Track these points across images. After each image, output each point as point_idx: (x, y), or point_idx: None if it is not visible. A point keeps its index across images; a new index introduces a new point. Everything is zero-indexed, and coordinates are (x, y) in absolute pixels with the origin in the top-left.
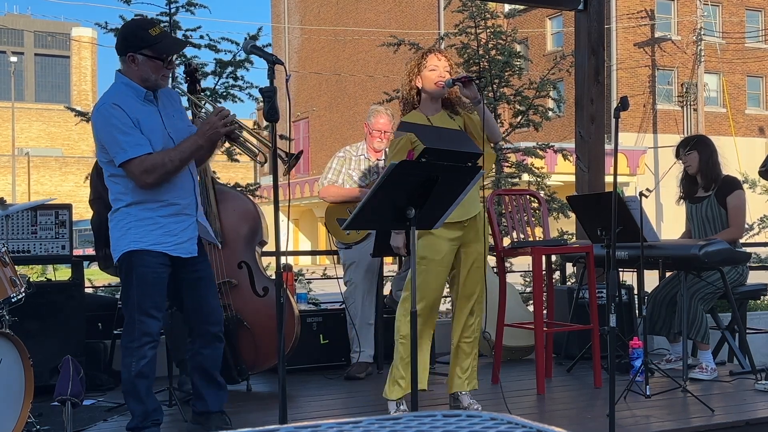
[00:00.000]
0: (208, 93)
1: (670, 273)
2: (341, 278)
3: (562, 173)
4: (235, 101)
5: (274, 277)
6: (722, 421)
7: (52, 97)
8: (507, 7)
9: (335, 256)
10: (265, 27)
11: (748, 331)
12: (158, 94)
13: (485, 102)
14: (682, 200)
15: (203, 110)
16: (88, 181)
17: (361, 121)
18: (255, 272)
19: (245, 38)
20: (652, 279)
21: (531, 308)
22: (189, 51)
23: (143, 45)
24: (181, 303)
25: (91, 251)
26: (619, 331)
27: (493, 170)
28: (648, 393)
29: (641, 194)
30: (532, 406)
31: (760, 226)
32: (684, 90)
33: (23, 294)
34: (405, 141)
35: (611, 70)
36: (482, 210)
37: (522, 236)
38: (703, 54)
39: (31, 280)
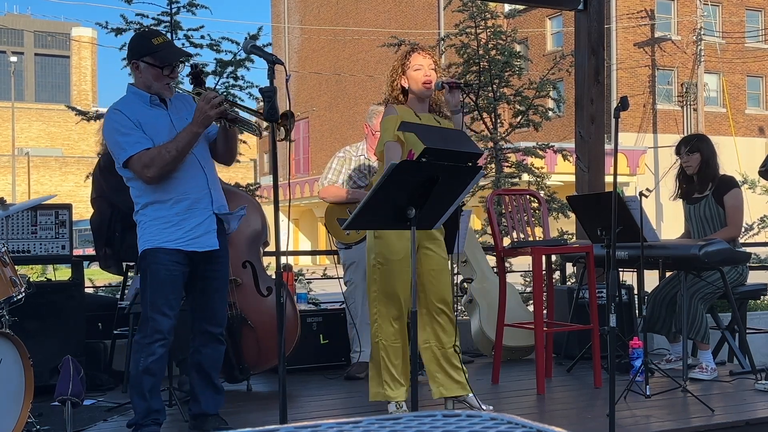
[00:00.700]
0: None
1: (670, 273)
2: (341, 278)
3: (562, 173)
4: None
5: (274, 277)
6: (722, 421)
7: (52, 97)
8: (507, 7)
9: (335, 256)
10: (265, 27)
11: (748, 331)
12: (169, 99)
13: (464, 112)
14: (677, 197)
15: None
16: (90, 180)
17: (361, 121)
18: (259, 272)
19: (245, 38)
20: (652, 279)
21: (531, 308)
22: (189, 51)
23: (145, 53)
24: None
25: (91, 251)
26: (619, 331)
27: (493, 170)
28: (648, 393)
29: (641, 194)
30: (532, 406)
31: (760, 226)
32: (684, 90)
33: (23, 294)
34: (396, 119)
35: (611, 70)
36: None
37: (522, 236)
38: (703, 54)
39: (31, 280)
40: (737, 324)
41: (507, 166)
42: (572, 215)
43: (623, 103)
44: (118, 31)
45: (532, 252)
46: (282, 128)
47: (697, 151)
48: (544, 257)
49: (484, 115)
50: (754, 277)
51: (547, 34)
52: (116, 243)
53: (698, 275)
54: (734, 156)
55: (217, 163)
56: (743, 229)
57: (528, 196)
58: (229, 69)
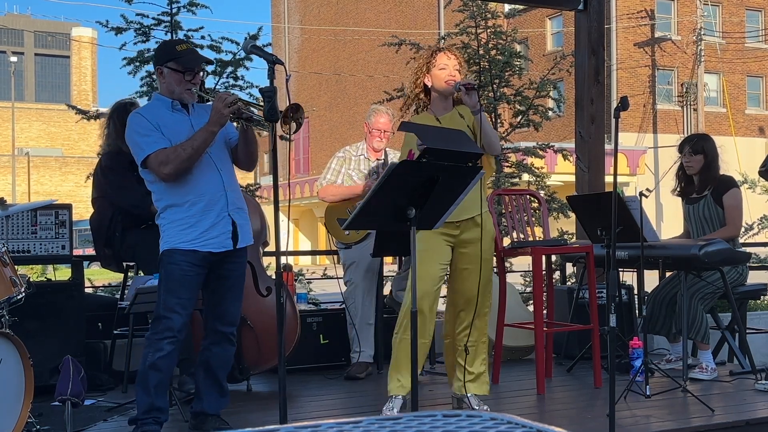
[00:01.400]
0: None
1: (670, 273)
2: (341, 278)
3: (562, 173)
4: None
5: (274, 277)
6: (722, 421)
7: (52, 97)
8: (507, 7)
9: (335, 256)
10: (265, 27)
11: (748, 331)
12: (192, 106)
13: (483, 112)
14: (677, 194)
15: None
16: (90, 180)
17: (361, 121)
18: (259, 272)
19: (245, 38)
20: (652, 279)
21: (531, 308)
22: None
23: (168, 58)
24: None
25: (91, 251)
26: (619, 331)
27: (493, 170)
28: (648, 393)
29: (641, 194)
30: (532, 406)
31: (760, 226)
32: (684, 90)
33: (23, 294)
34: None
35: (611, 70)
36: (485, 213)
37: (522, 236)
38: (703, 54)
39: (31, 280)
40: (737, 324)
41: (507, 166)
42: (572, 215)
43: (623, 103)
44: (118, 31)
45: (532, 252)
46: (294, 122)
47: (700, 153)
48: (544, 257)
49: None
50: (754, 277)
51: (547, 34)
52: (116, 243)
53: (698, 275)
54: (734, 156)
55: (239, 168)
56: (743, 229)
57: (528, 196)
58: (229, 69)
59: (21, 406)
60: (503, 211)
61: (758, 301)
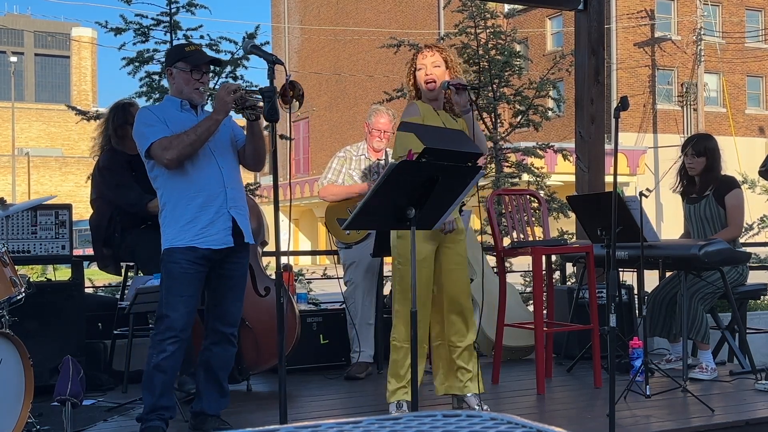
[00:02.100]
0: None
1: (670, 273)
2: (341, 278)
3: (562, 173)
4: (243, 117)
5: (274, 277)
6: (722, 421)
7: (52, 97)
8: (506, 7)
9: (335, 256)
10: (265, 27)
11: (748, 331)
12: (201, 107)
13: (475, 111)
14: (678, 192)
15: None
16: (90, 181)
17: (361, 121)
18: (257, 272)
19: (244, 37)
20: (652, 279)
21: (531, 308)
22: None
23: (177, 58)
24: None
25: (91, 251)
26: (619, 331)
27: (493, 170)
28: (648, 393)
29: (641, 194)
30: (532, 406)
31: (760, 226)
32: (684, 90)
33: (23, 294)
34: (419, 120)
35: (611, 70)
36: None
37: (522, 236)
38: (703, 54)
39: (31, 280)
40: (737, 324)
41: (507, 166)
42: (572, 215)
43: (623, 103)
44: (118, 31)
45: (532, 252)
46: (296, 101)
47: (703, 155)
48: (544, 257)
49: (484, 115)
50: (754, 277)
51: (547, 34)
52: (115, 243)
53: (698, 275)
54: (734, 156)
55: (248, 169)
56: (743, 230)
57: (528, 196)
58: (228, 69)
59: (21, 406)
60: (503, 211)
61: (758, 301)
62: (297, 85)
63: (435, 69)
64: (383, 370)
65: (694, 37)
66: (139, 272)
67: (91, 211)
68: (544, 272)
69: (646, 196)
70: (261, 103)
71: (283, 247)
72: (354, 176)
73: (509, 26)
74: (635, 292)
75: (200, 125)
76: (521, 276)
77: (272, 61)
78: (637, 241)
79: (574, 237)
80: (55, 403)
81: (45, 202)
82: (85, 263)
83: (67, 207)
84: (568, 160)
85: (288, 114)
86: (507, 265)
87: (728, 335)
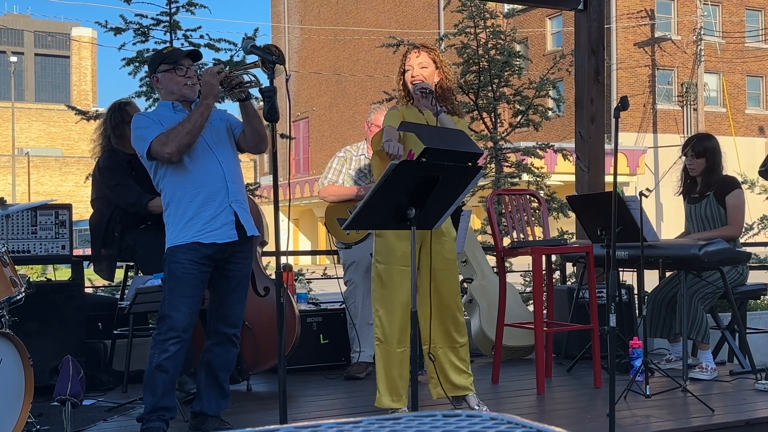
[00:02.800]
0: None
1: (670, 273)
2: (341, 278)
3: (562, 173)
4: (234, 101)
5: (274, 277)
6: (722, 421)
7: (52, 97)
8: (506, 7)
9: (335, 256)
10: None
11: (748, 330)
12: (195, 106)
13: (447, 111)
14: (680, 194)
15: None
16: (90, 181)
17: (361, 121)
18: (257, 272)
19: (243, 38)
20: (652, 279)
21: (531, 308)
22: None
23: (158, 62)
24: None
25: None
26: (619, 331)
27: (493, 170)
28: (648, 393)
29: (641, 194)
30: (532, 406)
31: (760, 226)
32: (684, 90)
33: (23, 294)
34: (399, 114)
35: (611, 70)
36: None
37: (522, 236)
38: (703, 54)
39: (31, 280)
40: (737, 324)
41: (507, 166)
42: (572, 215)
43: (623, 103)
44: (117, 31)
45: (532, 252)
46: (280, 67)
47: (703, 156)
48: (544, 257)
49: (484, 114)
50: (754, 277)
51: (547, 34)
52: (114, 243)
53: (698, 275)
54: (734, 156)
55: (252, 154)
56: (743, 230)
57: (528, 196)
58: (227, 69)
59: (21, 406)
60: (503, 211)
61: (758, 301)
62: (274, 48)
63: (422, 70)
64: None
65: (694, 37)
66: (139, 272)
67: (91, 211)
68: (544, 272)
69: (646, 196)
70: (246, 78)
71: (283, 247)
72: (354, 176)
73: (509, 26)
74: (635, 292)
75: (192, 113)
76: (521, 276)
77: (272, 61)
78: (637, 241)
79: (574, 237)
80: (55, 403)
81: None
82: (85, 263)
83: (67, 207)
84: (568, 160)
85: (288, 114)
86: (507, 265)
87: (728, 335)
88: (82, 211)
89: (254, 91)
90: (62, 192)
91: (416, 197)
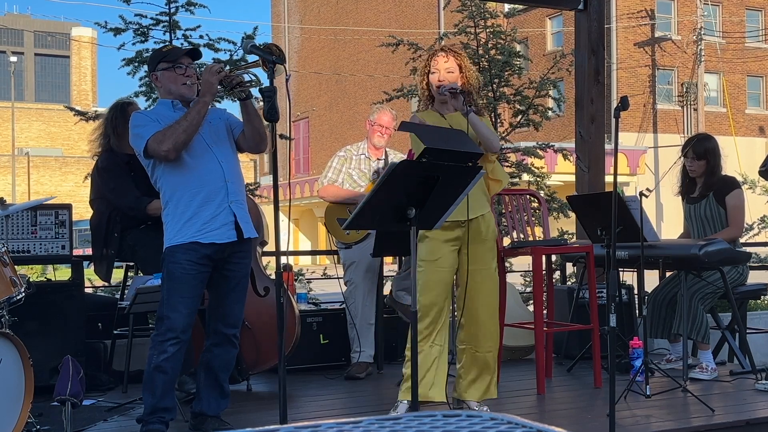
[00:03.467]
0: None
1: (670, 273)
2: (341, 278)
3: (562, 173)
4: (234, 100)
5: (274, 277)
6: (722, 421)
7: (52, 97)
8: (506, 7)
9: (335, 256)
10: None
11: (748, 331)
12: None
13: (473, 113)
14: (680, 195)
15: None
16: (89, 181)
17: (361, 121)
18: (256, 272)
19: (242, 38)
20: (652, 279)
21: (531, 308)
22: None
23: (158, 60)
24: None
25: (90, 251)
26: (619, 331)
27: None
28: (648, 393)
29: (641, 194)
30: (532, 406)
31: (760, 226)
32: (684, 90)
33: (23, 294)
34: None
35: (611, 69)
36: (489, 214)
37: (522, 236)
38: (703, 54)
39: (31, 280)
40: (737, 324)
41: (507, 166)
42: (572, 215)
43: (623, 103)
44: (117, 31)
45: (532, 252)
46: (280, 66)
47: (703, 158)
48: (544, 257)
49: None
50: (754, 277)
51: (547, 33)
52: (114, 243)
53: (698, 275)
54: (734, 156)
55: (251, 153)
56: (743, 230)
57: (528, 196)
58: (227, 68)
59: (21, 406)
60: (503, 211)
61: (758, 301)
62: (274, 47)
63: (448, 74)
64: (383, 370)
65: (694, 37)
66: (139, 272)
67: (91, 211)
68: (544, 272)
69: (646, 196)
70: (247, 77)
71: (283, 247)
72: (353, 176)
73: (509, 26)
74: (635, 292)
75: (190, 111)
76: (521, 276)
77: (272, 61)
78: (637, 241)
79: (574, 237)
80: (55, 403)
81: (45, 203)
82: (85, 263)
83: (67, 207)
84: (568, 160)
85: (288, 114)
86: (507, 265)
87: (728, 335)
88: (82, 211)
89: (254, 91)
90: (62, 192)
91: (416, 197)
